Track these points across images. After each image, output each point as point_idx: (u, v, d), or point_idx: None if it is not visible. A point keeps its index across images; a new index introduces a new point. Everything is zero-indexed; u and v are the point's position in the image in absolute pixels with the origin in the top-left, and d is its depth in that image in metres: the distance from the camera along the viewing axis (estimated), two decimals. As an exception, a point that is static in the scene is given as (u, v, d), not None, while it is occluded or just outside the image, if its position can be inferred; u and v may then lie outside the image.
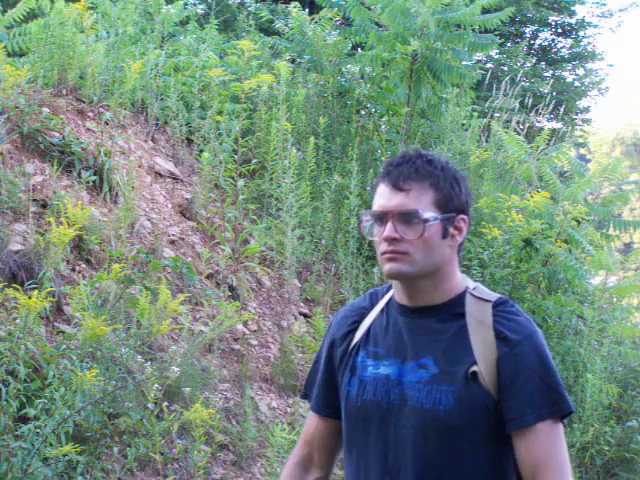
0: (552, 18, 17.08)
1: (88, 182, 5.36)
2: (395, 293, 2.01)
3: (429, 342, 1.92)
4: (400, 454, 1.88)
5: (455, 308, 1.94)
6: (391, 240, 1.91)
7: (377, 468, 1.91)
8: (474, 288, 1.98)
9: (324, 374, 2.07)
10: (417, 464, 1.86)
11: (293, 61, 8.36)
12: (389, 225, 1.91)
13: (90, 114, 6.18)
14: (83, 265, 4.89)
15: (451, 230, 1.95)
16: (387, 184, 1.95)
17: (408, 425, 1.88)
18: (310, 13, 8.53)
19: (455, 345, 1.89)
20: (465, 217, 1.97)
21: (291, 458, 2.12)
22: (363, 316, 2.05)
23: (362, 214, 2.01)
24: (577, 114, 17.29)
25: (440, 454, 1.85)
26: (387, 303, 2.03)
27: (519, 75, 11.14)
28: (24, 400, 3.60)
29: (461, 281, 1.99)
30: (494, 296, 1.97)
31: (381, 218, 1.94)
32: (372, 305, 2.06)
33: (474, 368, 1.85)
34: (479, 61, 13.92)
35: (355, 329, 2.04)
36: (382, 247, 1.93)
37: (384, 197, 1.95)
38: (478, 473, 1.86)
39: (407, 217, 1.90)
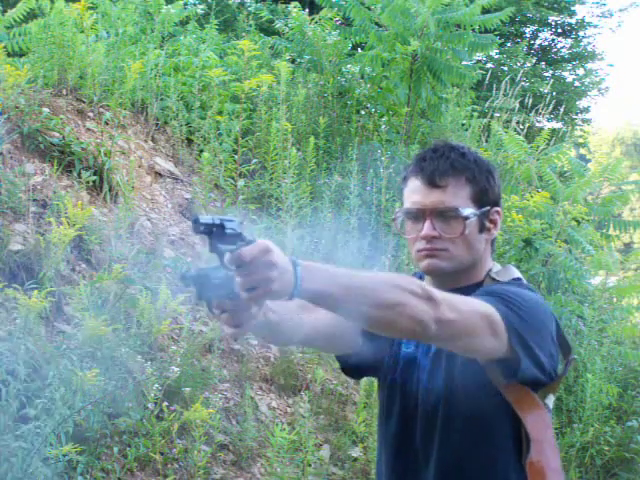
0: (552, 18, 17.09)
1: (88, 182, 5.36)
2: (426, 283, 1.98)
3: None
4: (424, 432, 1.90)
5: (473, 291, 1.90)
6: (430, 238, 1.87)
7: (401, 445, 1.93)
8: (497, 271, 1.95)
9: None
10: (435, 442, 1.88)
11: (293, 61, 8.36)
12: (427, 223, 1.87)
13: (90, 114, 6.18)
14: (83, 265, 4.89)
15: (487, 224, 1.92)
16: (421, 180, 1.89)
17: (419, 408, 1.91)
18: (310, 13, 8.53)
19: None
20: (499, 209, 1.94)
21: None
22: None
23: (396, 211, 1.97)
24: (577, 114, 17.30)
25: (452, 431, 1.86)
26: None
27: (519, 75, 11.13)
28: (24, 400, 3.60)
29: (487, 267, 1.96)
30: (510, 278, 1.92)
31: (417, 215, 1.89)
32: None
33: None
34: (479, 61, 13.92)
35: None
36: (419, 245, 1.89)
37: (419, 194, 1.89)
38: (480, 443, 1.85)
39: (446, 214, 1.86)
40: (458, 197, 1.87)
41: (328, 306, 1.58)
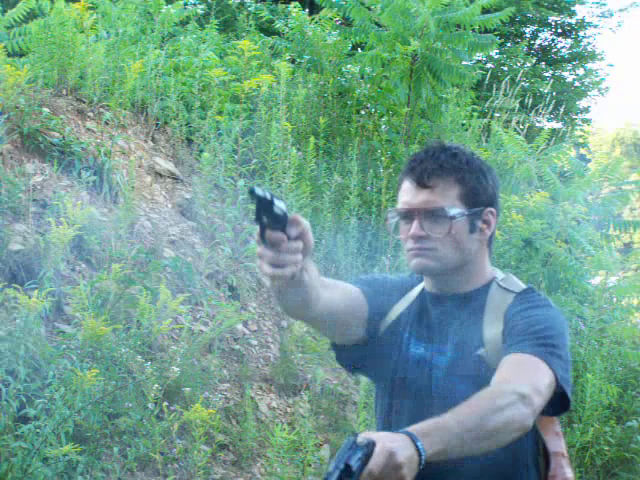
0: (552, 18, 17.07)
1: (88, 182, 5.36)
2: (425, 282, 2.01)
3: (451, 330, 1.94)
4: None
5: (479, 297, 1.93)
6: (418, 238, 1.90)
7: None
8: (502, 279, 1.97)
9: (376, 291, 2.03)
10: None
11: (293, 61, 8.36)
12: (415, 223, 1.90)
13: (90, 114, 6.18)
14: (83, 265, 4.89)
15: (479, 224, 1.93)
16: (411, 181, 1.92)
17: (435, 407, 1.89)
18: (310, 13, 8.53)
19: (470, 332, 1.91)
20: (493, 210, 1.95)
21: None
22: (408, 291, 2.05)
23: (388, 212, 1.99)
24: (577, 114, 17.29)
25: None
26: (422, 289, 2.03)
27: (519, 75, 11.13)
28: (24, 400, 3.60)
29: (490, 273, 1.98)
30: (521, 287, 1.95)
31: (407, 216, 1.92)
32: (414, 285, 2.06)
33: (479, 351, 1.87)
34: (479, 61, 13.90)
35: (400, 298, 2.04)
36: (409, 244, 1.92)
37: (409, 194, 1.93)
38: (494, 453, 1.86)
39: (433, 214, 1.88)
40: (446, 197, 1.89)
41: (447, 457, 1.63)
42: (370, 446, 1.52)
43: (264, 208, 1.52)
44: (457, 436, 1.58)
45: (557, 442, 1.91)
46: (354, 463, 1.49)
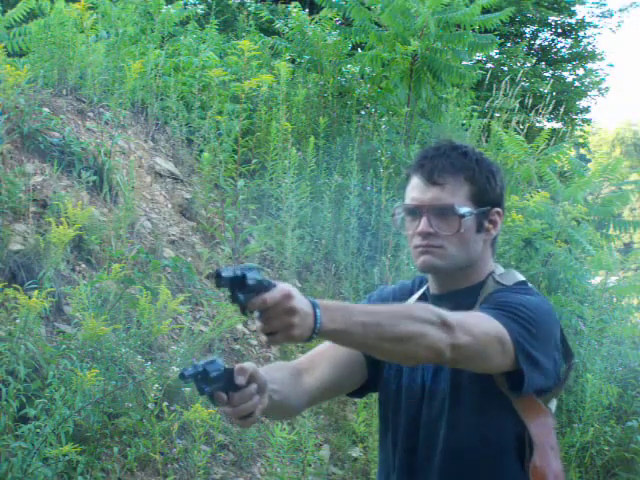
0: (552, 18, 17.07)
1: (88, 182, 5.36)
2: (429, 284, 2.00)
3: None
4: (429, 435, 1.90)
5: (473, 294, 1.92)
6: (425, 234, 1.88)
7: (407, 446, 1.93)
8: (500, 274, 1.95)
9: None
10: (439, 443, 1.88)
11: (293, 61, 8.35)
12: (424, 220, 1.88)
13: (90, 114, 6.18)
14: (83, 265, 4.89)
15: (486, 224, 1.92)
16: (421, 177, 1.90)
17: (424, 410, 1.91)
18: (310, 13, 8.53)
19: None
20: (500, 210, 1.94)
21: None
22: (407, 298, 2.04)
23: (395, 207, 1.97)
24: (577, 114, 17.28)
25: (456, 430, 1.86)
26: (424, 291, 2.02)
27: (519, 75, 11.12)
28: (24, 400, 3.60)
29: (489, 269, 1.96)
30: (515, 281, 1.93)
31: (415, 212, 1.90)
32: (414, 290, 2.05)
33: None
34: (479, 61, 13.90)
35: None
36: (415, 241, 1.90)
37: (418, 190, 1.90)
38: (482, 442, 1.86)
39: (442, 212, 1.87)
40: (456, 195, 1.88)
41: (346, 343, 1.62)
42: (272, 283, 1.50)
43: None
44: (360, 325, 1.55)
45: (544, 432, 1.86)
46: (250, 277, 1.47)
